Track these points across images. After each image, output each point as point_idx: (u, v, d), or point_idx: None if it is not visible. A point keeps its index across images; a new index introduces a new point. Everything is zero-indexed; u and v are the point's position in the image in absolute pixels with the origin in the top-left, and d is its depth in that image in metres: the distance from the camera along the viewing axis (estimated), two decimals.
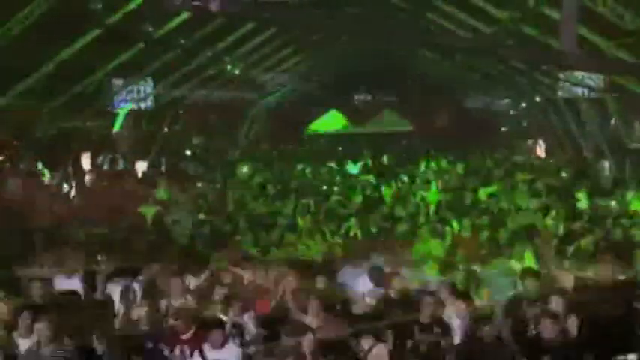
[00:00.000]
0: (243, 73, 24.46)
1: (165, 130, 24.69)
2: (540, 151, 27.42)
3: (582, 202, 12.95)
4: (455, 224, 11.09)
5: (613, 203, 12.58)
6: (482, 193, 14.17)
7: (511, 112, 32.34)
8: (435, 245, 9.84)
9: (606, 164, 19.59)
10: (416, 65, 32.59)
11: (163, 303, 7.77)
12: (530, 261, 8.76)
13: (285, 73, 29.93)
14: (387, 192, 15.35)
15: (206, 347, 6.71)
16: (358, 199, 14.47)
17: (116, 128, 20.49)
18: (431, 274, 8.73)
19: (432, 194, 14.59)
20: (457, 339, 6.87)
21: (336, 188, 16.38)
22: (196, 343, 6.75)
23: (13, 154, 17.98)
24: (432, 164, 20.89)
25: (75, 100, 17.05)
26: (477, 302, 7.41)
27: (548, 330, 6.23)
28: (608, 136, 19.95)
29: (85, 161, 20.74)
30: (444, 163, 21.83)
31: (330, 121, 37.40)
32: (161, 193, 15.86)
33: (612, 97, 17.86)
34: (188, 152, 28.32)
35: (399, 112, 38.43)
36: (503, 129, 34.92)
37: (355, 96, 39.85)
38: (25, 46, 13.41)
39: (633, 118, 18.74)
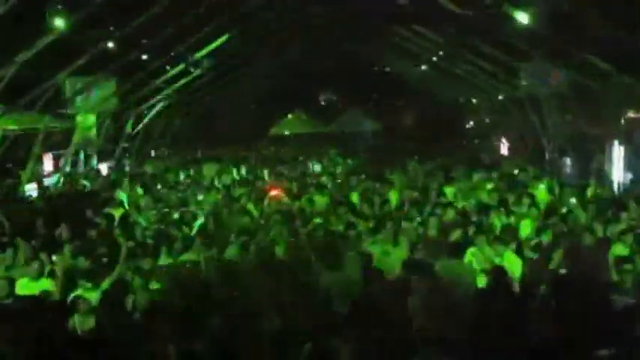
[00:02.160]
0: (205, 73, 24.36)
1: (129, 130, 24.45)
2: (504, 149, 27.81)
3: (542, 198, 13.09)
4: (418, 222, 11.13)
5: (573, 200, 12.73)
6: (448, 192, 14.25)
7: (476, 110, 32.70)
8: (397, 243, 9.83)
9: (568, 161, 19.93)
10: (381, 64, 32.77)
11: None
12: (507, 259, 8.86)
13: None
14: (353, 192, 15.36)
15: None
16: (323, 199, 14.43)
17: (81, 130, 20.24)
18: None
19: (395, 193, 14.62)
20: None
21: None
22: None
23: None
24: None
25: (36, 101, 16.78)
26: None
27: (516, 326, 6.28)
28: (570, 134, 20.29)
29: (47, 163, 20.50)
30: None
31: (295, 122, 37.34)
32: (124, 195, 15.65)
33: (574, 94, 18.18)
34: (152, 153, 28.10)
35: (364, 111, 38.60)
36: (468, 127, 35.36)
37: (320, 96, 39.96)
38: None
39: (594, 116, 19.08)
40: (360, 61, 33.07)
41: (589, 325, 5.70)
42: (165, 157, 27.74)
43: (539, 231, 10.18)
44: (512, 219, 11.37)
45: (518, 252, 9.46)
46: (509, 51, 18.66)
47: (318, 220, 11.73)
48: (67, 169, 20.68)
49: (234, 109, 36.85)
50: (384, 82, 37.15)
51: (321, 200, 14.04)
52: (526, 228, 10.84)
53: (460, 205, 12.68)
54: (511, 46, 17.97)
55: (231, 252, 9.86)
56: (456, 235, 10.23)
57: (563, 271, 9.06)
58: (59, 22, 13.63)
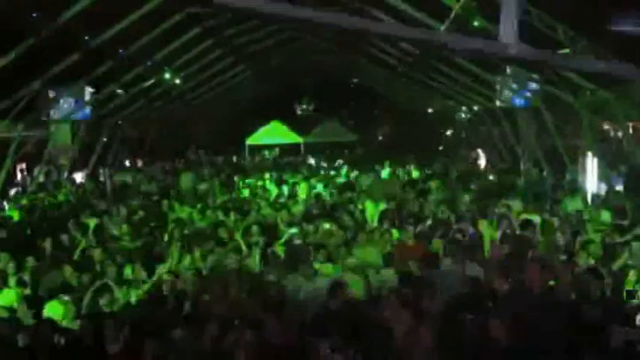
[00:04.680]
0: (183, 83, 24.32)
1: (104, 140, 24.25)
2: (481, 160, 28.02)
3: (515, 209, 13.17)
4: (396, 233, 11.18)
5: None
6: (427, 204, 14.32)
7: (452, 122, 32.95)
8: (373, 253, 9.86)
9: (544, 173, 20.11)
10: (357, 76, 32.94)
11: None
12: None
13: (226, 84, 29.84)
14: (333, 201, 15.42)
15: None
16: (298, 208, 14.45)
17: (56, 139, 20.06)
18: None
19: (372, 205, 14.65)
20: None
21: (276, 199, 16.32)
22: None
23: None
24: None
25: (10, 109, 16.59)
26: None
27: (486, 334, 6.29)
28: (544, 146, 20.52)
29: (20, 172, 20.26)
30: (384, 173, 22.08)
31: (272, 132, 37.38)
32: (102, 204, 15.54)
33: (546, 107, 18.41)
34: (127, 163, 27.88)
35: (340, 122, 38.78)
36: (444, 139, 35.60)
37: (297, 106, 40.08)
38: None
39: (566, 128, 19.33)
40: (336, 72, 33.21)
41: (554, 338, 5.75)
42: (142, 167, 27.56)
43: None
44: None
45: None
46: (483, 63, 18.85)
47: (293, 231, 11.71)
48: (41, 178, 20.46)
49: (210, 119, 36.77)
50: (360, 93, 37.38)
51: (297, 210, 14.06)
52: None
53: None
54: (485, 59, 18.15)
55: (207, 264, 9.81)
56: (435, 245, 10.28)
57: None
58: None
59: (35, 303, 8.25)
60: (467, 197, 14.89)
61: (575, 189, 16.30)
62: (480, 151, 28.47)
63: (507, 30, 5.03)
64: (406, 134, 36.24)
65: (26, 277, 9.37)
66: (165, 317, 7.29)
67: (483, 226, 11.55)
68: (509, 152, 24.28)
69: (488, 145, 27.08)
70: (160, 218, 13.61)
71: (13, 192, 19.00)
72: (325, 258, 9.49)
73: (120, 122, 24.98)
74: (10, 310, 8.03)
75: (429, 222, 12.04)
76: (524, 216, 11.77)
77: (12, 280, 9.19)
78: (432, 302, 7.41)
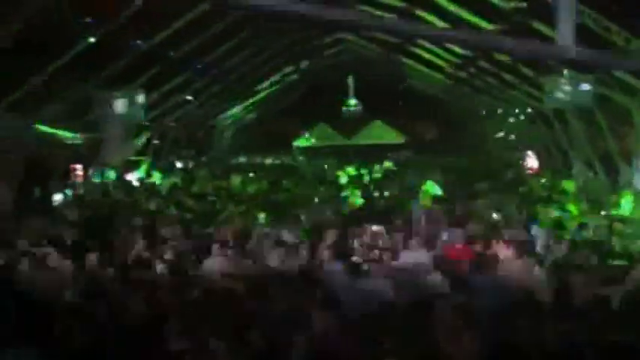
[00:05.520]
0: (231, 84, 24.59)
1: (155, 142, 24.68)
2: (532, 162, 27.50)
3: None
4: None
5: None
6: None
7: (501, 124, 32.47)
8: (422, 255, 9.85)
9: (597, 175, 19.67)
10: (405, 77, 32.73)
11: None
12: None
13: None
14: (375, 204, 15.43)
15: None
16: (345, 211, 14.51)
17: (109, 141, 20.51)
18: None
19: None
20: None
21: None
22: None
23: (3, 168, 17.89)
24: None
25: (65, 112, 17.02)
26: None
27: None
28: (597, 148, 20.08)
29: (77, 173, 20.72)
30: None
31: (318, 134, 37.52)
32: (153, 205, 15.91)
33: (599, 108, 18.02)
34: (178, 164, 28.26)
35: (388, 123, 38.61)
36: (493, 141, 35.09)
37: (343, 108, 40.05)
38: (14, 59, 13.41)
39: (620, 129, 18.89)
40: (384, 73, 33.04)
41: None
42: (192, 168, 27.96)
43: None
44: None
45: None
46: (533, 64, 18.56)
47: None
48: (97, 180, 20.94)
49: (258, 121, 37.06)
50: (408, 95, 37.12)
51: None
52: None
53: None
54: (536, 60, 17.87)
55: None
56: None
57: None
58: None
59: None
60: (517, 200, 14.73)
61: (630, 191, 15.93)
62: (530, 153, 27.97)
63: (565, 32, 4.95)
64: (454, 136, 35.87)
65: None
66: None
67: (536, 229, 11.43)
68: (560, 154, 23.82)
69: (539, 147, 26.62)
70: (212, 218, 13.79)
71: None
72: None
73: (171, 124, 25.39)
74: None
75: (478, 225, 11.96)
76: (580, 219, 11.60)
77: None
78: (481, 306, 7.34)
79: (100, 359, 5.92)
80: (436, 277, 9.20)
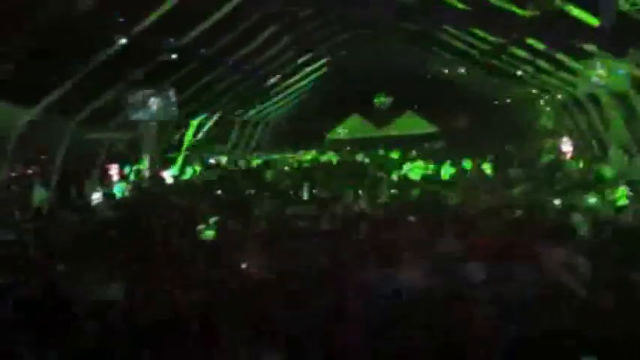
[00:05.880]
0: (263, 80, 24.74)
1: (190, 139, 24.95)
2: (567, 148, 27.14)
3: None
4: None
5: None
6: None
7: (535, 111, 32.12)
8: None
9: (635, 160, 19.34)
10: (436, 66, 32.53)
11: None
12: None
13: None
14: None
15: None
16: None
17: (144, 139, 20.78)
18: None
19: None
20: None
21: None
22: None
23: (40, 169, 18.26)
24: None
25: (100, 112, 17.29)
26: None
27: None
28: (634, 132, 19.76)
29: (113, 172, 21.02)
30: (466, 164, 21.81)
31: (351, 126, 37.52)
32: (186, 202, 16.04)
33: (636, 92, 17.72)
34: (212, 161, 28.53)
35: (420, 114, 38.46)
36: (528, 128, 34.72)
37: (374, 99, 39.98)
38: (50, 61, 13.67)
39: None
40: (414, 63, 32.87)
41: None
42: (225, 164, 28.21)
43: None
44: None
45: None
46: (569, 50, 18.30)
47: None
48: (132, 177, 21.25)
49: (290, 115, 37.21)
50: (439, 84, 36.89)
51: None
52: None
53: None
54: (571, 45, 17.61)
55: None
56: None
57: None
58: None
59: None
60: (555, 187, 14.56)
61: None
62: (565, 139, 27.61)
63: (606, 18, 4.92)
64: (487, 124, 35.57)
65: None
66: None
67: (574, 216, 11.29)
68: (596, 140, 23.49)
69: (573, 133, 26.28)
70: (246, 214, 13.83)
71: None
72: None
73: (204, 121, 25.64)
74: None
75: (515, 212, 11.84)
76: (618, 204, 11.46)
77: None
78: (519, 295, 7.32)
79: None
80: (472, 266, 9.17)
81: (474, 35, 21.75)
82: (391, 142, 34.52)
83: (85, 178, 19.38)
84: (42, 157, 18.22)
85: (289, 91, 30.76)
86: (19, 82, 13.65)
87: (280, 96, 31.02)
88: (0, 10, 10.73)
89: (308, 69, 28.43)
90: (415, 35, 24.54)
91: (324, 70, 30.45)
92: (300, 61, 25.74)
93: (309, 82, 31.48)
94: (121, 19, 14.80)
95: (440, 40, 24.66)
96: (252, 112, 30.76)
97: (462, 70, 29.67)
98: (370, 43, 27.34)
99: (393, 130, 37.33)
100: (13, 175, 16.64)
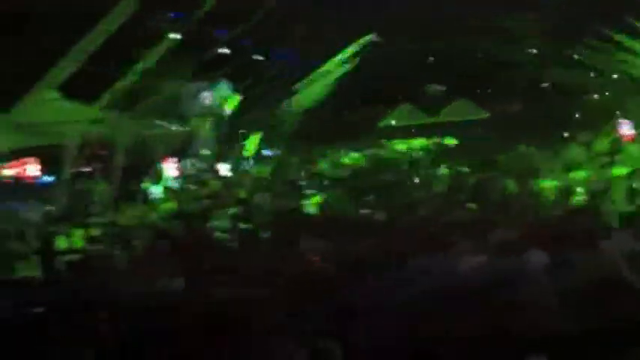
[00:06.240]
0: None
1: (244, 132, 25.09)
2: (628, 130, 26.40)
3: None
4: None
5: None
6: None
7: (593, 94, 31.39)
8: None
9: None
10: (488, 49, 31.97)
11: None
12: None
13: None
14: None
15: None
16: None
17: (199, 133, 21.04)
18: None
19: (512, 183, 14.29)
20: None
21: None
22: None
23: (101, 163, 18.71)
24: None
25: (157, 106, 17.58)
26: None
27: None
28: None
29: (170, 165, 21.35)
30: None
31: (400, 114, 37.23)
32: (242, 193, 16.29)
33: None
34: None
35: (471, 99, 37.91)
36: (584, 111, 33.93)
37: (426, 86, 39.52)
38: (109, 58, 13.98)
39: None
40: (466, 46, 32.37)
41: None
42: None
43: None
44: None
45: None
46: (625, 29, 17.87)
47: None
48: (189, 171, 21.53)
49: (340, 105, 36.97)
50: (491, 68, 36.27)
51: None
52: None
53: None
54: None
55: None
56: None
57: None
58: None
59: None
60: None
61: None
62: (627, 121, 26.85)
63: None
64: (540, 108, 34.87)
65: None
66: None
67: None
68: None
69: (635, 114, 25.57)
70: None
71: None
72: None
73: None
74: None
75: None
76: None
77: None
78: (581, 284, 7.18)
79: None
80: (534, 254, 9.07)
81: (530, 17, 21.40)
82: (443, 129, 34.19)
83: (145, 172, 19.76)
84: (103, 152, 18.66)
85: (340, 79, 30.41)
86: (80, 79, 14.03)
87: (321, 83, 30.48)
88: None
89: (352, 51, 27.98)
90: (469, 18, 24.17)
91: (372, 55, 29.96)
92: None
93: (357, 67, 30.92)
94: (175, 14, 15.04)
95: (494, 21, 24.28)
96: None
97: (519, 53, 29.15)
98: (422, 25, 26.84)
99: (444, 116, 36.88)
100: (76, 170, 17.06)
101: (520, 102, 39.02)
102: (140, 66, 15.07)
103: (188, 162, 21.52)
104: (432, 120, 36.64)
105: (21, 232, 11.93)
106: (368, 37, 27.74)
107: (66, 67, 12.45)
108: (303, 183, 17.60)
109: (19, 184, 18.38)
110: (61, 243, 11.06)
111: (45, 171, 18.87)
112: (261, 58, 20.05)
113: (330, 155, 22.60)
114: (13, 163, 19.32)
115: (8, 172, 19.14)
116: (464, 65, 34.74)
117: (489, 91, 38.13)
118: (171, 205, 15.16)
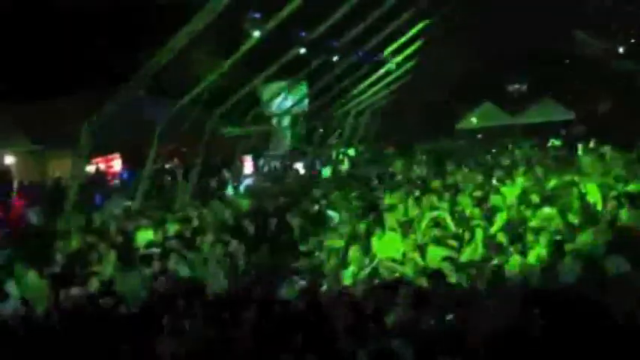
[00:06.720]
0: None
1: (320, 131, 25.22)
2: None
3: None
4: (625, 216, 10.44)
5: None
6: None
7: None
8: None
9: None
10: (572, 48, 30.94)
11: None
12: None
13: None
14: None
15: None
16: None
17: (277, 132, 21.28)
18: None
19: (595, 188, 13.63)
20: None
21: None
22: None
23: (181, 161, 19.20)
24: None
25: (235, 106, 17.84)
26: None
27: None
28: None
29: (247, 164, 21.74)
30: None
31: (483, 114, 36.52)
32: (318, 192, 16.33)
33: None
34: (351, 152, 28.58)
35: (557, 99, 36.82)
36: None
37: (508, 86, 38.68)
38: (193, 59, 14.34)
39: None
40: (549, 44, 31.45)
41: None
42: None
43: None
44: None
45: None
46: None
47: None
48: (266, 169, 21.86)
49: (421, 104, 36.66)
50: (576, 67, 35.12)
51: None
52: None
53: None
54: None
55: None
56: None
57: None
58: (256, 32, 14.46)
59: None
60: None
61: None
62: None
63: None
64: (631, 108, 33.52)
65: None
66: None
67: None
68: None
69: None
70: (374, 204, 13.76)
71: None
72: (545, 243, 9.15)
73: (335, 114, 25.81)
74: None
75: None
76: None
77: None
78: None
79: None
80: (615, 259, 8.75)
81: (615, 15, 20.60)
82: (526, 131, 33.36)
83: (224, 169, 20.16)
84: (183, 149, 19.13)
85: (419, 78, 30.10)
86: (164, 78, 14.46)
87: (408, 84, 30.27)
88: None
89: (437, 54, 27.66)
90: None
91: (452, 54, 29.52)
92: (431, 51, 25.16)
93: (438, 67, 30.48)
94: (257, 15, 15.19)
95: (580, 19, 23.45)
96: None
97: (603, 51, 28.12)
98: (503, 22, 26.22)
99: (529, 117, 35.90)
100: (157, 167, 17.52)
101: (610, 102, 37.57)
102: (228, 64, 15.18)
103: (266, 160, 21.87)
104: (516, 121, 35.85)
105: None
106: None
107: (152, 66, 12.71)
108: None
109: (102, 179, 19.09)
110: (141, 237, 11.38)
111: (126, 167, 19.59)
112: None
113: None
114: (101, 158, 20.13)
115: (102, 166, 19.96)
116: (550, 64, 33.84)
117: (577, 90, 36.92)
118: (247, 203, 15.38)
